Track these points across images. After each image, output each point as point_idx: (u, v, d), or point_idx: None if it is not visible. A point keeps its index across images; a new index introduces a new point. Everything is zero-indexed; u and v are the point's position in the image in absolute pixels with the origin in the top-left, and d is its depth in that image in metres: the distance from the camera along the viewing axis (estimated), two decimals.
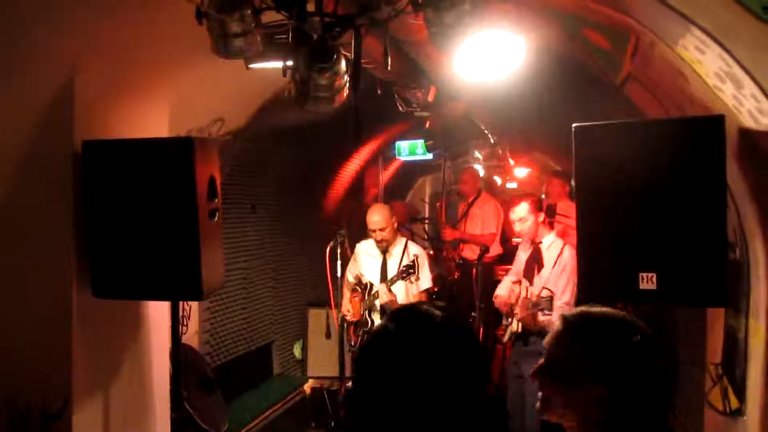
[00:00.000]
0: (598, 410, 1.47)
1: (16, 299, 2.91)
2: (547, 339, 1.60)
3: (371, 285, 4.77)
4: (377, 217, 4.69)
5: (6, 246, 2.86)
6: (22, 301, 2.93)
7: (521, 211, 4.34)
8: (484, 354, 1.28)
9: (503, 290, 4.58)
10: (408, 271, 4.54)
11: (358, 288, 4.86)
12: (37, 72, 2.75)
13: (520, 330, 4.22)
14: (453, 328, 1.25)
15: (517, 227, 4.42)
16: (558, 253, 4.24)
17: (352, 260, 4.95)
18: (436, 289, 6.83)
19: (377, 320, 4.70)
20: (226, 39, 2.38)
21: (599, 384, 1.46)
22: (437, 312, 1.26)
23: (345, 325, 4.91)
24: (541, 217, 4.34)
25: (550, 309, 3.98)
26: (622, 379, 1.46)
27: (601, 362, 1.47)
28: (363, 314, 4.79)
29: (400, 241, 4.80)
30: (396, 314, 1.32)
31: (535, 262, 4.34)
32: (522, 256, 4.54)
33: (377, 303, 4.71)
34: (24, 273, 2.93)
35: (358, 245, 4.96)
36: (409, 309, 1.35)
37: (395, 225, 4.78)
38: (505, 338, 4.38)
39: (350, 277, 4.93)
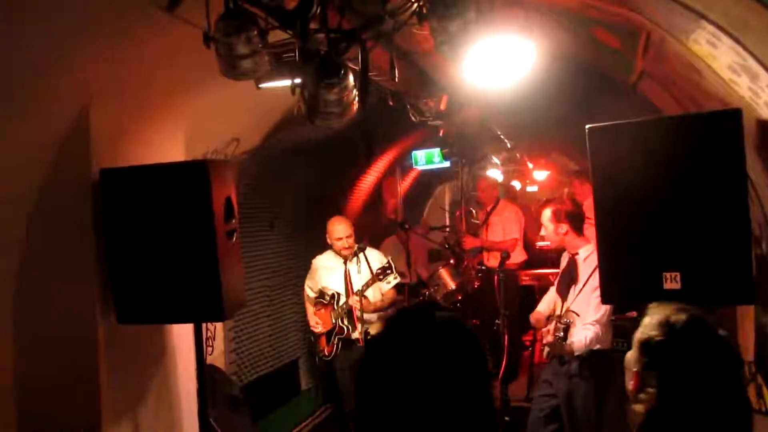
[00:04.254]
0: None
1: (42, 329, 2.94)
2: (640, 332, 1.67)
3: (338, 294, 4.89)
4: (342, 225, 4.90)
5: (29, 277, 2.89)
6: (48, 331, 2.95)
7: (543, 216, 4.03)
8: (482, 355, 1.24)
9: (545, 303, 4.28)
10: (385, 272, 4.72)
11: (322, 300, 4.97)
12: (52, 103, 2.79)
13: None
14: (452, 329, 1.22)
15: (543, 231, 4.11)
16: (594, 267, 3.63)
17: (309, 276, 5.08)
18: (459, 297, 6.81)
19: (351, 326, 4.85)
20: (234, 61, 2.40)
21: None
22: (438, 313, 1.23)
23: (313, 338, 4.97)
24: (563, 228, 3.93)
25: (565, 338, 3.67)
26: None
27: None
28: (335, 322, 4.87)
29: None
30: (394, 320, 1.27)
31: (569, 275, 3.98)
32: (563, 264, 4.18)
33: (347, 311, 4.83)
34: (48, 303, 2.96)
35: (314, 260, 5.13)
36: (407, 313, 1.30)
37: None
38: (544, 354, 4.06)
39: (310, 292, 5.10)
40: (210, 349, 4.31)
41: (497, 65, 3.04)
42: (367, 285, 4.75)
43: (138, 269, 3.03)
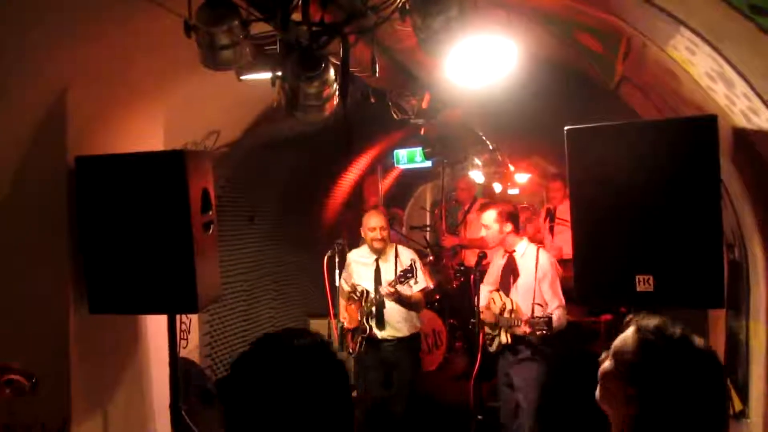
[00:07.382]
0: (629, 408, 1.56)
1: (12, 319, 2.89)
2: (618, 342, 1.63)
3: (367, 292, 4.77)
4: (376, 216, 4.79)
5: (0, 265, 2.85)
6: (18, 320, 2.91)
7: (487, 218, 4.31)
8: (344, 381, 1.33)
9: (484, 301, 4.44)
10: (406, 276, 4.53)
11: (354, 296, 4.85)
12: (29, 91, 2.74)
13: (510, 341, 4.13)
14: (311, 355, 1.30)
15: (482, 232, 4.45)
16: (535, 262, 4.14)
17: (345, 269, 4.95)
18: (437, 297, 6.81)
19: (374, 326, 4.72)
20: (214, 51, 2.38)
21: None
22: (300, 340, 1.32)
23: (343, 332, 4.90)
24: (508, 227, 4.24)
25: (551, 329, 3.84)
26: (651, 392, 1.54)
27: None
28: (361, 321, 4.78)
29: (391, 247, 4.85)
30: (256, 344, 1.36)
31: (510, 272, 4.26)
32: (497, 263, 4.45)
33: (374, 309, 4.71)
34: (19, 292, 2.91)
35: (349, 254, 4.96)
36: (269, 338, 1.38)
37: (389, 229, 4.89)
38: (493, 348, 4.27)
39: (345, 286, 4.94)
40: (185, 342, 4.27)
41: (479, 65, 3.04)
42: (392, 285, 4.59)
43: (112, 259, 3.00)
